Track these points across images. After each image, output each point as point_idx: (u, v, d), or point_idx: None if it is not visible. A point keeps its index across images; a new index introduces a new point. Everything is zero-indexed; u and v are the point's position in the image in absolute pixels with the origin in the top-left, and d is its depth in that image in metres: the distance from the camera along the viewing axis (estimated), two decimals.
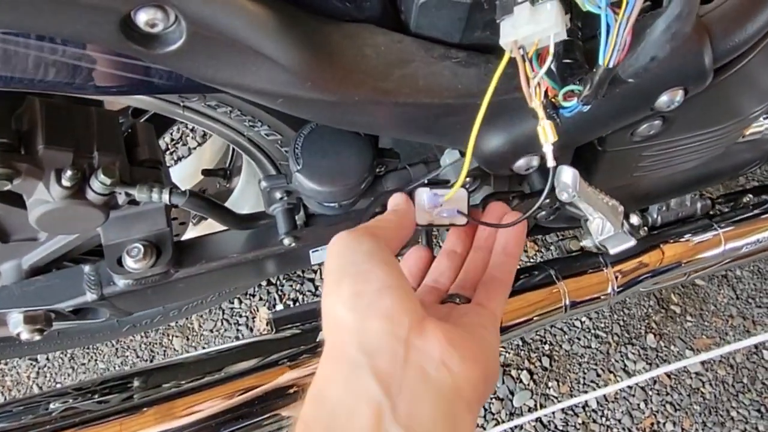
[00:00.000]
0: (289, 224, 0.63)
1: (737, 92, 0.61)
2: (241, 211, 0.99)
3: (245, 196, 0.99)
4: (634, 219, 0.64)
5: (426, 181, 0.51)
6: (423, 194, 0.49)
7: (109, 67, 0.40)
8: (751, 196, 0.99)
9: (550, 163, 0.38)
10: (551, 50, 0.39)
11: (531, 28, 0.39)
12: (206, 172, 1.02)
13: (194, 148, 1.49)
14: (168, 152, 1.50)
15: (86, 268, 0.69)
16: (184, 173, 1.09)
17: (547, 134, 0.39)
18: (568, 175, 0.49)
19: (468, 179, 0.61)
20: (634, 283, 0.91)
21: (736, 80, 0.56)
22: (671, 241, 0.91)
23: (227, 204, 1.02)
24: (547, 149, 0.38)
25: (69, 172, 0.54)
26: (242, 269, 0.73)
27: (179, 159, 1.47)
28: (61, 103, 0.57)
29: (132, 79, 0.42)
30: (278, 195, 0.60)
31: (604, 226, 0.60)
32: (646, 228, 0.92)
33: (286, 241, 0.67)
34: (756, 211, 0.98)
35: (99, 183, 0.55)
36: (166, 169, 0.64)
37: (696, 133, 0.64)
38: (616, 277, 0.89)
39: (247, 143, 0.67)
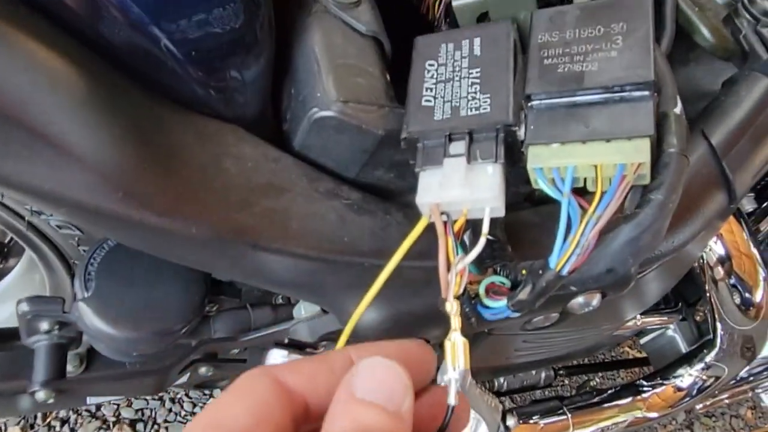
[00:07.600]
0: (51, 370, 0.41)
1: (625, 300, 0.58)
2: (14, 300, 0.74)
3: (24, 283, 0.75)
4: (511, 422, 0.54)
5: (286, 341, 0.42)
6: (277, 357, 0.41)
7: None
8: (598, 380, 0.98)
9: (452, 400, 0.24)
10: (485, 229, 0.28)
11: (463, 192, 0.28)
12: None
13: None
14: None
15: None
16: None
17: (456, 357, 0.26)
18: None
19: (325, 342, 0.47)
20: None
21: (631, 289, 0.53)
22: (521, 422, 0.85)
23: None
24: (453, 381, 0.25)
25: None
26: None
27: None
28: None
29: None
30: (45, 326, 0.40)
31: (478, 427, 0.50)
32: (492, 394, 0.87)
33: (41, 395, 0.43)
34: (601, 397, 0.97)
35: None
36: None
37: (578, 329, 0.59)
38: None
39: (29, 231, 0.47)
